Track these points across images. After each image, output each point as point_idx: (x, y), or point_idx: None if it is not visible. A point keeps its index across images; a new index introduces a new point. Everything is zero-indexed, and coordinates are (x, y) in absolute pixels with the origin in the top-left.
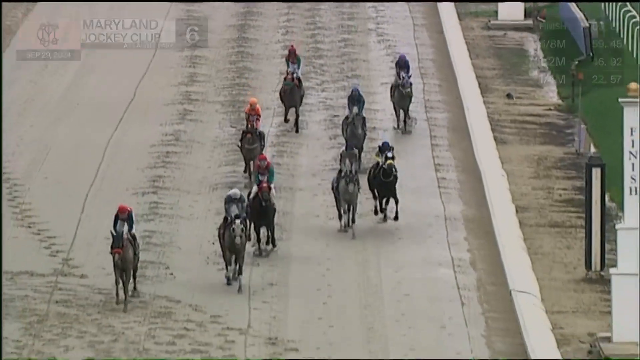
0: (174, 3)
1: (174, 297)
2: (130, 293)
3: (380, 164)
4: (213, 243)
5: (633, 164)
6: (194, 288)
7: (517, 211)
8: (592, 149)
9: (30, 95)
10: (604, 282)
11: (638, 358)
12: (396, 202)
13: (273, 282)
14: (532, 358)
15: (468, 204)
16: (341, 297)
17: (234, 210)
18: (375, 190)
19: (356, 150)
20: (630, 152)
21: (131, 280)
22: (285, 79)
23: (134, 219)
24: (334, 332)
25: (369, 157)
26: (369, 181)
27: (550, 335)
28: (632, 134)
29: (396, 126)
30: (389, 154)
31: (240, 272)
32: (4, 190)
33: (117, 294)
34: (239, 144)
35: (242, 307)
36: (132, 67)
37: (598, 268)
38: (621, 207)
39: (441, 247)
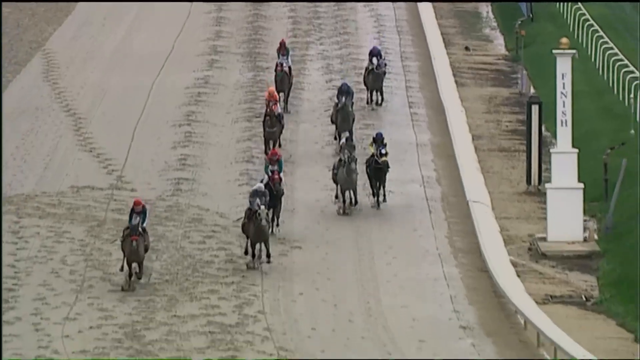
0: None
1: (204, 207)
2: (134, 277)
3: (375, 157)
4: (231, 164)
5: (564, 102)
6: (219, 199)
7: (472, 139)
8: (532, 90)
9: (91, 48)
10: (541, 195)
11: (567, 254)
12: (383, 187)
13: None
14: (484, 254)
15: (434, 133)
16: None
17: (258, 201)
18: (370, 178)
19: (353, 142)
20: (562, 92)
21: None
22: (275, 70)
23: (147, 213)
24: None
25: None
26: (366, 170)
27: (499, 236)
28: (563, 78)
29: (368, 102)
30: (383, 150)
31: (268, 256)
32: (70, 123)
33: (126, 282)
34: (262, 127)
35: None
36: (170, 26)
37: (536, 183)
38: (554, 135)
39: (413, 167)
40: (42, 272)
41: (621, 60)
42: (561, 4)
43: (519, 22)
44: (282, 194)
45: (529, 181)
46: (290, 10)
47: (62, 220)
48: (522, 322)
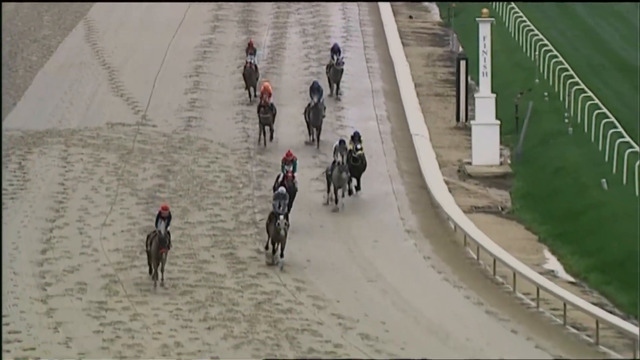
0: None
1: (209, 139)
2: (160, 276)
3: (352, 153)
4: (230, 106)
5: (485, 58)
6: (221, 133)
7: (415, 86)
8: (460, 49)
9: (122, 17)
10: (467, 129)
11: (487, 175)
12: (358, 182)
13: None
14: (424, 174)
15: (385, 82)
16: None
17: (280, 204)
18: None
19: (347, 144)
20: (483, 51)
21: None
22: (245, 67)
23: (171, 217)
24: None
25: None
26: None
27: (435, 161)
28: (484, 40)
29: (329, 94)
30: (358, 146)
31: (282, 256)
32: (106, 74)
33: (152, 277)
34: (257, 115)
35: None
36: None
37: (464, 120)
38: (477, 83)
39: (369, 108)
40: (84, 189)
41: (528, 26)
42: None
43: None
44: (296, 190)
45: (458, 119)
46: (274, 6)
47: (100, 149)
48: (453, 226)
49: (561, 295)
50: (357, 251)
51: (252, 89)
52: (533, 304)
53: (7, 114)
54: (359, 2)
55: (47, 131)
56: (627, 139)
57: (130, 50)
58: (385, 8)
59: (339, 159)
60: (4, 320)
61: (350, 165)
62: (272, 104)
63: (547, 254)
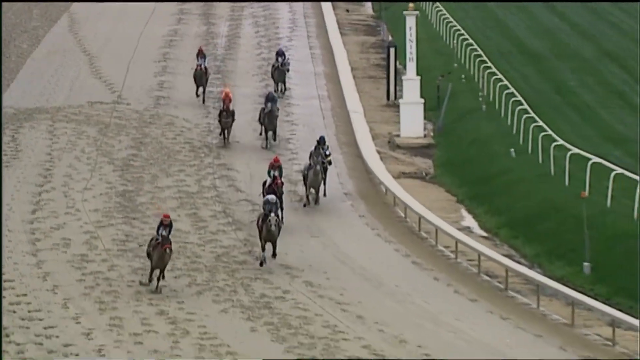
0: None
1: (175, 115)
2: (160, 282)
3: (322, 157)
4: (193, 87)
5: (410, 46)
6: (186, 110)
7: (351, 70)
8: (390, 38)
9: (101, 10)
10: (396, 106)
11: (413, 145)
12: (324, 184)
13: None
14: (359, 145)
15: (326, 65)
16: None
17: (271, 210)
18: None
19: (324, 150)
20: (409, 40)
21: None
22: (195, 69)
23: (172, 225)
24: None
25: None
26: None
27: (369, 134)
28: (410, 30)
29: (275, 91)
30: (327, 152)
31: (274, 255)
32: (86, 60)
33: (152, 282)
34: (218, 119)
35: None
36: None
37: (393, 99)
38: (405, 67)
39: (313, 88)
40: (68, 158)
41: (447, 18)
42: None
43: None
44: (282, 193)
45: (388, 98)
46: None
47: (81, 124)
48: (384, 190)
49: (476, 248)
50: (302, 211)
51: (201, 89)
52: (452, 255)
53: (2, 94)
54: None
55: (36, 109)
56: (532, 114)
57: (107, 39)
58: (325, 3)
59: (313, 161)
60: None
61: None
62: (233, 111)
63: (464, 213)
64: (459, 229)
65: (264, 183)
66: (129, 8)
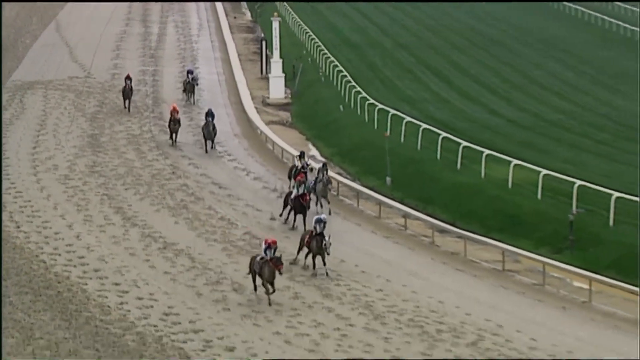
0: None
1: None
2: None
3: (302, 167)
4: (138, 66)
5: (275, 40)
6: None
7: (238, 55)
8: (262, 34)
9: (78, 16)
10: (266, 79)
11: (278, 103)
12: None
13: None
14: (244, 103)
15: (222, 53)
16: None
17: (319, 227)
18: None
19: (322, 165)
20: (275, 35)
21: None
22: (124, 87)
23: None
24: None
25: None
26: (290, 176)
27: (249, 96)
28: (275, 30)
29: (186, 100)
30: (309, 162)
31: (324, 264)
32: (68, 50)
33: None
34: (168, 124)
35: None
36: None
37: (265, 74)
38: (272, 54)
39: (213, 68)
40: (56, 113)
41: (298, 21)
42: None
43: (258, 5)
44: (309, 206)
45: (261, 73)
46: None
47: (65, 91)
48: (259, 132)
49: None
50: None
51: (127, 101)
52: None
53: (13, 72)
54: (206, 8)
55: (35, 81)
56: (354, 83)
57: (81, 37)
58: (221, 12)
59: (321, 176)
60: (14, 185)
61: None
62: (179, 119)
63: (311, 146)
64: (309, 156)
65: (288, 194)
66: (95, 15)
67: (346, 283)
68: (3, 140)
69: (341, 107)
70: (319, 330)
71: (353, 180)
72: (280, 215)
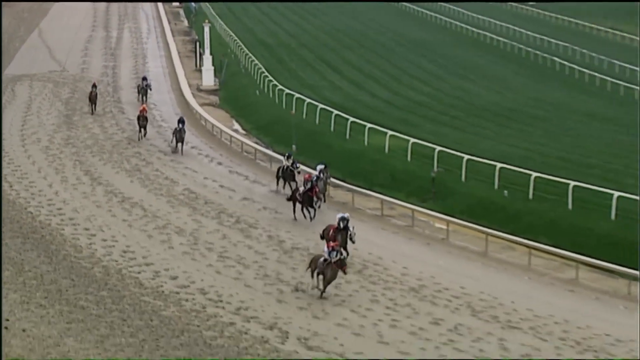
0: None
1: (92, 76)
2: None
3: (290, 167)
4: (99, 58)
5: (206, 41)
6: (96, 73)
7: (178, 53)
8: (196, 37)
9: (54, 25)
10: (200, 71)
11: (209, 89)
12: (295, 183)
13: None
14: (183, 90)
15: (165, 51)
16: None
17: (342, 223)
18: (284, 179)
19: (323, 167)
20: (206, 38)
21: None
22: (90, 93)
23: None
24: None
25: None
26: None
27: (187, 84)
28: (206, 33)
29: (138, 100)
30: (297, 165)
31: (347, 253)
32: (47, 51)
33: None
34: (137, 122)
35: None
36: (86, 11)
37: (199, 67)
38: (203, 51)
39: (158, 62)
40: (39, 99)
41: (224, 27)
42: (207, 4)
43: (193, 13)
44: (319, 199)
45: (196, 66)
46: (118, 7)
47: (45, 82)
48: (194, 111)
49: (239, 138)
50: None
51: (93, 106)
52: (229, 143)
53: (6, 68)
54: (153, 16)
55: (23, 75)
56: (267, 74)
57: (58, 40)
58: (165, 20)
59: (322, 175)
60: (7, 154)
61: (287, 174)
62: (147, 117)
63: (234, 122)
64: (232, 129)
65: (295, 191)
66: (69, 25)
67: (262, 226)
68: None
69: (257, 92)
70: (242, 263)
71: (266, 147)
72: (294, 214)
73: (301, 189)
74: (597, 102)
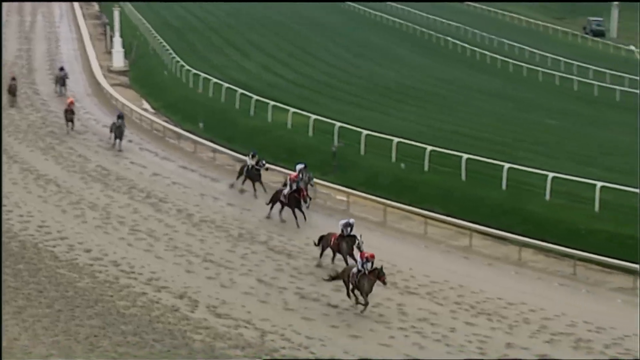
0: None
1: (36, 66)
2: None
3: (255, 166)
4: (43, 53)
5: (116, 25)
6: (41, 61)
7: (90, 36)
8: (106, 20)
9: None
10: (110, 53)
11: (119, 70)
12: (260, 183)
13: None
14: (94, 70)
15: (77, 34)
16: None
17: (346, 231)
18: (251, 178)
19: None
20: (116, 22)
21: None
22: (9, 86)
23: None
24: None
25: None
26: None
27: (98, 65)
28: (116, 17)
29: (56, 92)
30: (263, 162)
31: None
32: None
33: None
34: (64, 115)
35: None
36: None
37: (109, 49)
38: (114, 34)
39: (72, 45)
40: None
41: (134, 12)
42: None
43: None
44: (306, 201)
45: (106, 48)
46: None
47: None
48: (105, 91)
49: (150, 117)
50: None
51: (13, 98)
52: (139, 121)
53: None
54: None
55: None
56: (175, 55)
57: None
58: (76, 5)
59: (304, 176)
60: None
61: (253, 173)
62: (73, 110)
63: (144, 101)
64: (142, 108)
65: (277, 192)
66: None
67: (172, 200)
68: None
69: (165, 72)
70: (152, 235)
71: (176, 125)
72: (270, 212)
73: (286, 190)
74: (493, 81)
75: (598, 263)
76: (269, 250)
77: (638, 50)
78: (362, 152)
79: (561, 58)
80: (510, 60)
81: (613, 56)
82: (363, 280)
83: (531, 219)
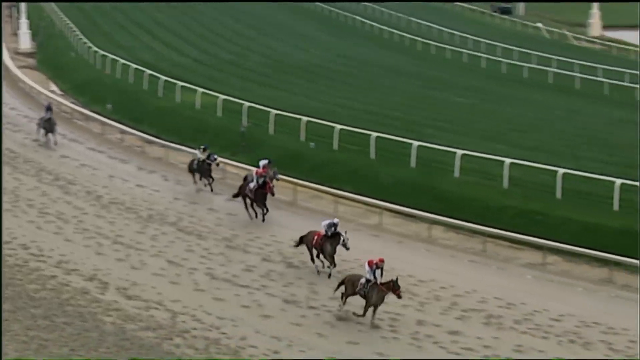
0: None
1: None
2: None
3: (206, 161)
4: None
5: (24, 11)
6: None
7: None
8: (13, 1)
9: None
10: (17, 35)
11: (25, 52)
12: (211, 177)
13: None
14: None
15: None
16: None
17: (330, 231)
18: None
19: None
20: (22, 3)
21: None
22: None
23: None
24: None
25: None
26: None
27: (5, 49)
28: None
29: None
30: (215, 156)
31: (334, 264)
32: None
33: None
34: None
35: None
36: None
37: (16, 31)
38: (20, 14)
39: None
40: None
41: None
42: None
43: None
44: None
45: (12, 30)
46: None
47: None
48: (14, 74)
49: (58, 99)
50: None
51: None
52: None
53: None
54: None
55: None
56: (82, 37)
57: None
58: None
59: (271, 173)
60: None
61: (204, 168)
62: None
63: (52, 84)
64: (49, 90)
65: (241, 187)
66: None
67: (81, 182)
68: None
69: (73, 53)
70: (62, 218)
71: (84, 107)
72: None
73: (252, 184)
74: (402, 59)
75: (507, 239)
76: (178, 231)
77: (545, 27)
78: (272, 131)
79: (469, 36)
80: (419, 39)
81: (520, 33)
82: (372, 291)
83: (441, 197)
